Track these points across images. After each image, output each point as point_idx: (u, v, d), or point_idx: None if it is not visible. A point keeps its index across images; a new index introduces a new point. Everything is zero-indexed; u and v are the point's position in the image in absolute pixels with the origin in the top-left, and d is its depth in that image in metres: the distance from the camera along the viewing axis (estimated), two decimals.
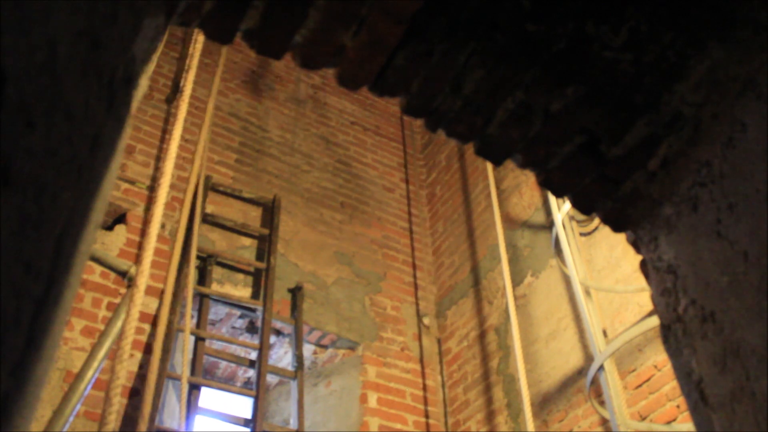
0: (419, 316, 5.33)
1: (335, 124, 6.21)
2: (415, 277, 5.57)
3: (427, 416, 4.80)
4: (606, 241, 3.99)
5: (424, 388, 4.94)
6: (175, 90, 5.09)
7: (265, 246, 4.82)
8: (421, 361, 5.07)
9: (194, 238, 4.21)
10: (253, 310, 4.57)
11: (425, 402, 4.87)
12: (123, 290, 3.92)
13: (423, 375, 4.99)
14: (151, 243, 2.60)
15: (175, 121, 3.10)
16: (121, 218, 4.39)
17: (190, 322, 3.88)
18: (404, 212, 5.97)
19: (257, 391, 3.99)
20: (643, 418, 3.37)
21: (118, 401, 2.22)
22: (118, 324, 2.97)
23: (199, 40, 3.74)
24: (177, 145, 2.97)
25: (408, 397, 4.80)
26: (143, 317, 4.04)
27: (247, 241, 4.90)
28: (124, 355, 2.29)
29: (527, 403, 3.67)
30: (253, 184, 5.24)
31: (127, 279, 3.20)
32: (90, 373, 2.91)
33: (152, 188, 4.57)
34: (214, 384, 4.23)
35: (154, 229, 2.66)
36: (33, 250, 0.48)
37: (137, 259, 2.56)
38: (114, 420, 2.17)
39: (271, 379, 4.70)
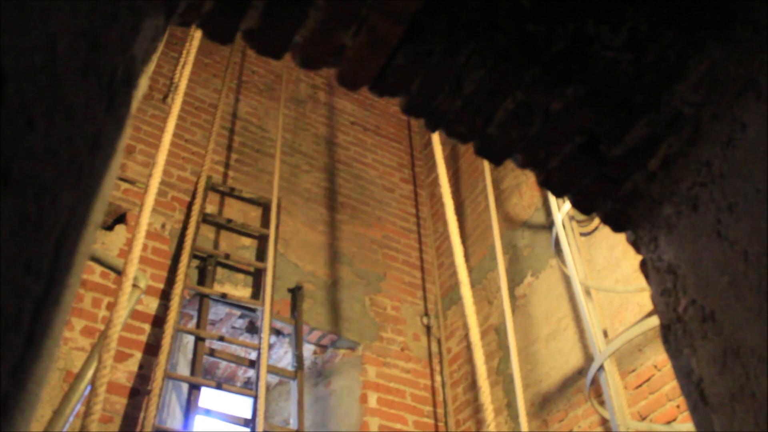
0: (419, 316, 5.33)
1: (335, 124, 6.21)
2: (419, 277, 5.57)
3: (427, 416, 4.80)
4: (606, 241, 3.99)
5: (424, 388, 4.94)
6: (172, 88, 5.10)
7: (265, 246, 4.82)
8: (422, 361, 5.07)
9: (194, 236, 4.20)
10: (253, 310, 4.56)
11: (425, 402, 4.87)
12: None
13: (423, 375, 4.99)
14: (142, 232, 2.60)
15: (169, 115, 3.11)
16: (121, 218, 4.39)
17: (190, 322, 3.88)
18: (404, 212, 5.97)
19: (257, 391, 3.99)
20: (643, 418, 3.36)
21: (103, 392, 2.21)
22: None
23: (195, 36, 3.74)
24: (170, 138, 2.97)
25: (408, 397, 4.80)
26: (143, 317, 4.04)
27: (247, 241, 4.90)
28: (111, 343, 2.28)
29: (521, 402, 3.67)
30: (253, 184, 5.24)
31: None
32: (90, 373, 2.91)
33: None
34: (214, 384, 4.22)
35: (145, 218, 2.66)
36: (33, 250, 0.48)
37: (128, 251, 2.56)
38: (99, 410, 2.16)
39: (271, 379, 4.69)
